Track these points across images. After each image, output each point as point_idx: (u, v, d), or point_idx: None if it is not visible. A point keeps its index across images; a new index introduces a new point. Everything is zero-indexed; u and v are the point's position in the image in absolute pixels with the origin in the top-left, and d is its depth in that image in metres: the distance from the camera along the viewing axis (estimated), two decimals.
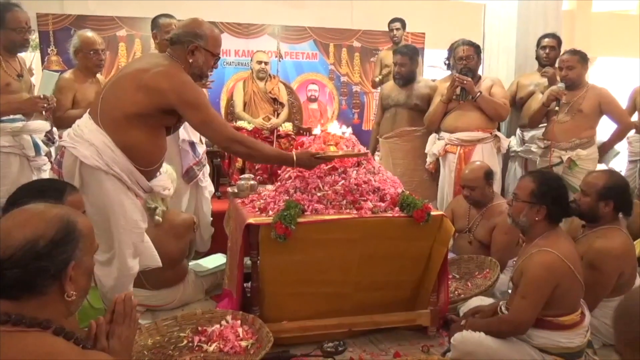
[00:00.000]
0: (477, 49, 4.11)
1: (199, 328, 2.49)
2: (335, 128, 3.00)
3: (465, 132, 4.05)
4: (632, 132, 4.56)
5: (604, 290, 2.64)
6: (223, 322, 2.49)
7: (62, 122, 3.46)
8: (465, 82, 3.94)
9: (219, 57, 2.62)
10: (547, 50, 4.43)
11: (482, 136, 4.05)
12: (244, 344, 2.42)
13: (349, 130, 3.05)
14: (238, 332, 2.46)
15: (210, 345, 2.42)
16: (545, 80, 4.35)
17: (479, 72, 4.25)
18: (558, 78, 4.13)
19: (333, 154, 2.77)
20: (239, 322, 2.51)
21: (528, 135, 4.48)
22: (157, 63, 2.48)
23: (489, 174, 3.55)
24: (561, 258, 2.28)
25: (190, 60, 2.49)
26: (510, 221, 2.49)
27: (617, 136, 4.14)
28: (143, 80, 2.39)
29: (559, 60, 4.08)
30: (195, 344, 2.45)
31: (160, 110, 2.42)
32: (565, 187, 2.51)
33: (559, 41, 4.49)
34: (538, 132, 4.36)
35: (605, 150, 4.13)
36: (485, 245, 3.46)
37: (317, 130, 3.11)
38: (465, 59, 4.03)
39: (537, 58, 4.54)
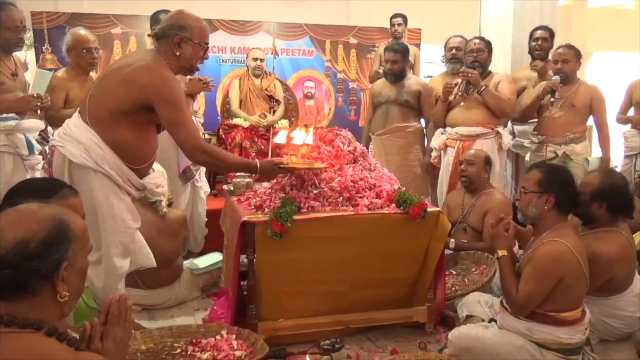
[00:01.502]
0: (487, 44, 4.13)
1: (193, 340, 2.45)
2: (300, 138, 2.94)
3: (465, 127, 4.07)
4: (627, 127, 4.57)
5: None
6: (218, 337, 2.44)
7: (55, 121, 3.44)
8: (470, 74, 3.95)
9: (207, 47, 2.57)
10: (539, 42, 4.41)
11: (482, 131, 4.04)
12: (238, 353, 2.37)
13: (308, 137, 2.95)
14: (232, 344, 2.41)
15: (203, 354, 2.37)
16: (536, 75, 4.36)
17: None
18: (550, 72, 4.15)
19: (295, 165, 2.73)
20: (233, 336, 2.46)
21: (518, 129, 4.49)
22: (140, 58, 2.46)
23: (488, 160, 3.68)
24: (572, 250, 2.27)
25: (177, 54, 2.45)
26: (520, 216, 2.48)
27: (606, 144, 4.09)
28: (124, 75, 2.37)
29: (554, 54, 4.09)
30: (189, 353, 2.40)
31: (141, 105, 2.38)
32: (572, 176, 2.50)
33: (551, 33, 4.47)
34: (528, 127, 4.39)
35: (607, 163, 4.04)
36: (479, 232, 3.49)
37: (281, 139, 3.05)
38: (476, 51, 4.07)
39: (530, 51, 4.51)
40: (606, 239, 2.65)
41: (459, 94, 4.02)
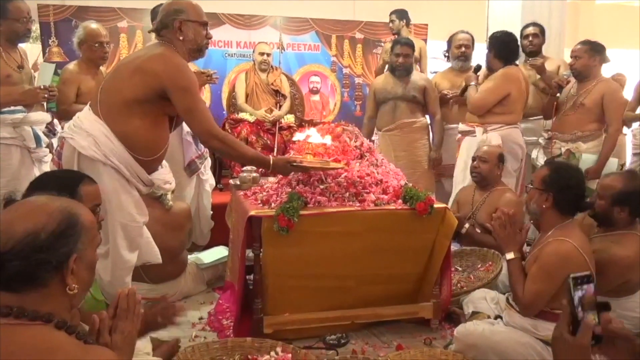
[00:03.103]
0: (490, 40, 4.18)
1: (249, 356, 2.40)
2: (317, 137, 2.95)
3: (459, 124, 4.26)
4: (636, 125, 4.53)
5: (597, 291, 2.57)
6: (272, 353, 2.37)
7: (67, 114, 3.45)
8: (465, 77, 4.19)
9: (207, 24, 2.58)
10: (530, 39, 4.38)
11: (464, 129, 4.17)
12: None
13: (328, 140, 2.96)
14: None
15: None
16: (533, 72, 4.33)
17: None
18: (563, 69, 4.14)
19: (309, 165, 2.73)
20: (289, 355, 2.36)
21: (523, 127, 4.46)
22: (152, 48, 2.51)
23: (501, 157, 3.66)
24: (577, 249, 2.26)
25: (181, 38, 2.47)
26: (524, 209, 2.49)
27: (607, 144, 3.91)
28: (138, 65, 2.40)
29: (571, 50, 4.06)
30: None
31: (156, 94, 2.40)
32: (581, 179, 2.45)
33: (541, 29, 4.42)
34: (532, 125, 4.37)
35: (602, 164, 3.87)
36: (487, 230, 3.46)
37: (300, 136, 3.06)
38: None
39: (522, 48, 4.42)
40: (624, 242, 2.59)
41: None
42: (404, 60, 4.31)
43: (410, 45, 4.35)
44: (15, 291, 1.16)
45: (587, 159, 3.87)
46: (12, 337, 1.11)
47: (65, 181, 2.00)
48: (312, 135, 2.94)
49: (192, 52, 2.53)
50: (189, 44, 2.50)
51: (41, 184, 1.97)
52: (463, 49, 4.54)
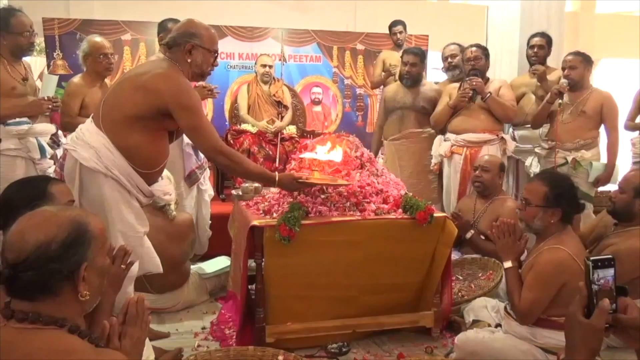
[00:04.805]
0: (484, 51, 4.15)
1: None
2: (322, 154, 2.99)
3: (472, 134, 4.09)
4: (635, 134, 4.56)
5: None
6: None
7: (71, 127, 3.48)
8: (475, 82, 3.98)
9: (217, 54, 2.63)
10: (535, 50, 4.41)
11: (489, 138, 4.08)
12: None
13: (339, 153, 3.00)
14: None
15: None
16: (535, 81, 4.36)
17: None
18: (562, 79, 4.16)
19: (315, 181, 2.75)
20: None
21: (519, 134, 4.51)
22: (156, 66, 2.52)
23: (503, 166, 3.75)
24: (572, 257, 2.27)
25: (189, 60, 2.50)
26: (523, 226, 2.47)
27: (612, 150, 4.03)
28: (141, 82, 2.42)
29: (562, 61, 4.11)
30: None
31: (158, 111, 2.43)
32: (574, 184, 2.52)
33: (548, 40, 4.46)
34: (529, 132, 4.40)
35: (612, 171, 3.99)
36: (489, 238, 3.47)
37: (306, 155, 3.08)
38: (474, 59, 4.07)
39: (527, 57, 4.50)
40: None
41: (467, 101, 4.05)
42: (410, 68, 4.32)
43: (418, 54, 4.35)
44: (29, 299, 1.21)
45: (597, 167, 3.97)
46: (28, 340, 1.16)
47: (34, 184, 2.04)
48: (319, 153, 2.97)
49: (194, 75, 2.57)
50: (195, 68, 2.53)
51: (11, 193, 1.99)
52: (449, 59, 4.56)
